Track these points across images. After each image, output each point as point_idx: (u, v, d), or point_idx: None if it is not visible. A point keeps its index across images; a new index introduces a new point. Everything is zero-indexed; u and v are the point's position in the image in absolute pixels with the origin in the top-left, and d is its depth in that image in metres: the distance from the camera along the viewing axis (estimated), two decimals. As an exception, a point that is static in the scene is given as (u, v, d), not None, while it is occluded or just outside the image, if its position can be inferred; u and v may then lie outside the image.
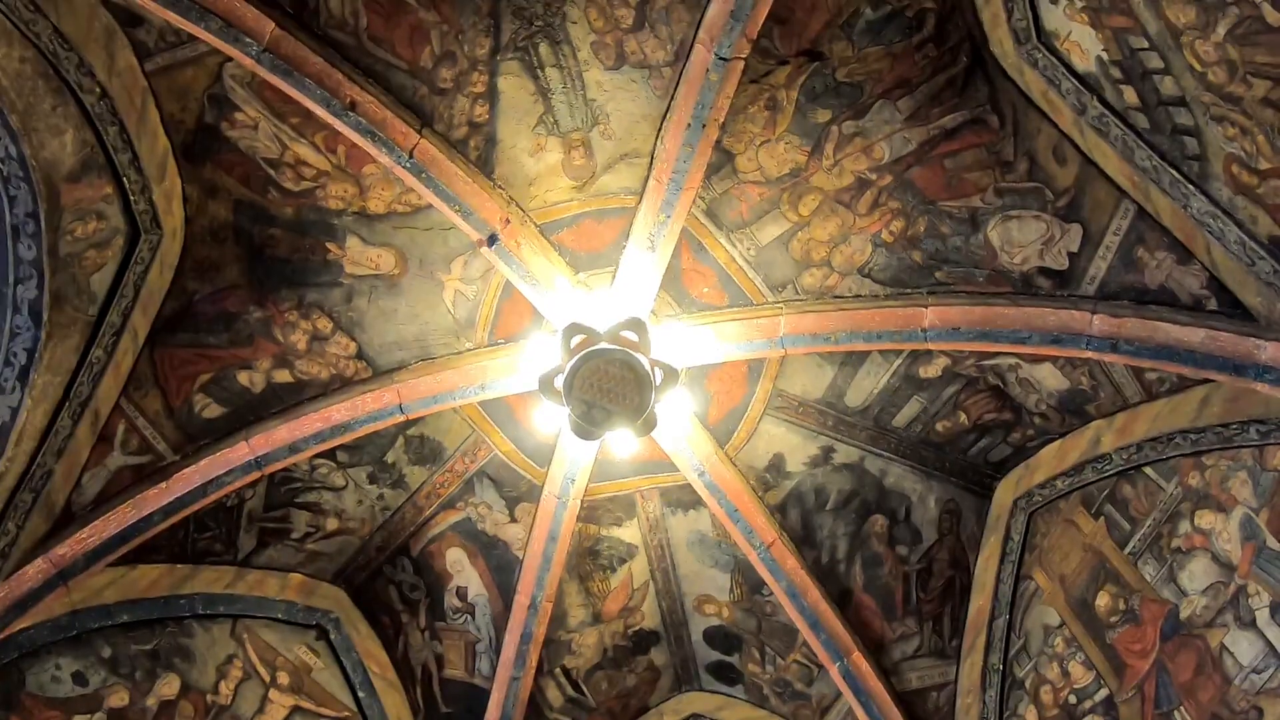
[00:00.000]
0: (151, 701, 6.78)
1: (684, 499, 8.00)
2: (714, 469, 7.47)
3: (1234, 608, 6.10)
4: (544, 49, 6.24)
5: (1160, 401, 6.50)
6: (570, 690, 8.31)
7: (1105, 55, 5.46)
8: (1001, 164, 6.51)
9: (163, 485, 6.67)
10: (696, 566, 8.31)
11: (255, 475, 6.96)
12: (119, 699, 6.64)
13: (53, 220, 5.58)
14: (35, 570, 6.27)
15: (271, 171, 6.37)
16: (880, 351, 7.19)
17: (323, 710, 7.62)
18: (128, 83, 5.75)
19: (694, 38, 6.03)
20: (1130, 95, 5.52)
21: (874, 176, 6.72)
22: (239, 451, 6.82)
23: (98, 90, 5.58)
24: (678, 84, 6.23)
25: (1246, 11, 4.64)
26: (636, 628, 8.42)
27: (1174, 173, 5.54)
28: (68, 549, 6.37)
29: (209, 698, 7.12)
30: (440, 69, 6.16)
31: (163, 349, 6.63)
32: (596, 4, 6.10)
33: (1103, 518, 6.99)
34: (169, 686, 6.90)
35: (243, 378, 6.92)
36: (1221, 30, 4.79)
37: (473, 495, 7.97)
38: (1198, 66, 5.00)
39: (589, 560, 8.18)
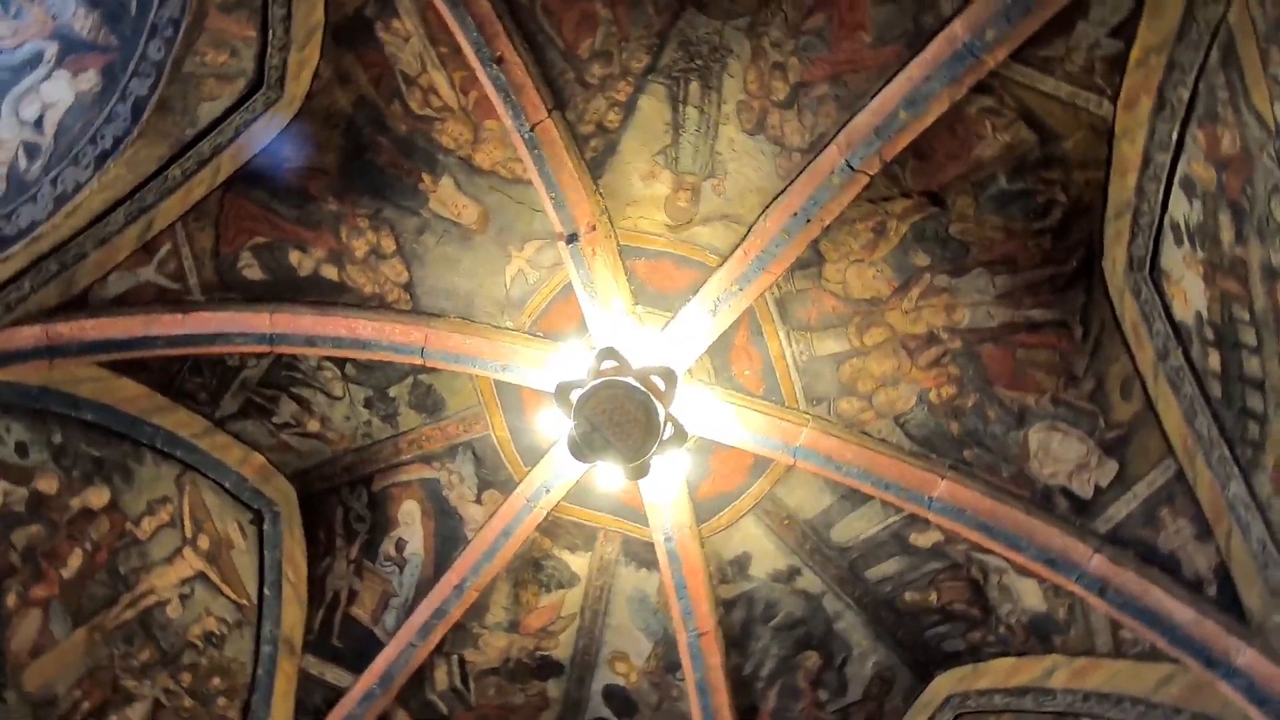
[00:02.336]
0: (76, 503, 6.77)
1: (642, 555, 7.94)
2: (682, 540, 7.40)
3: None
4: (694, 87, 6.38)
5: (1125, 661, 6.28)
6: (458, 681, 8.15)
7: (1205, 313, 5.39)
8: (1069, 375, 6.46)
9: (179, 316, 6.79)
10: (626, 623, 8.20)
11: (265, 349, 7.07)
12: (48, 485, 6.63)
13: (190, 36, 5.77)
14: (29, 334, 6.38)
15: (404, 86, 6.54)
16: (883, 502, 7.10)
17: (224, 589, 7.59)
18: (308, -56, 6.00)
19: (832, 137, 6.15)
20: (1214, 360, 5.43)
21: (946, 336, 6.72)
22: (260, 320, 6.91)
23: (279, -63, 5.84)
24: (800, 173, 6.33)
25: (1350, 319, 4.59)
26: (546, 653, 8.26)
27: (1226, 450, 5.42)
28: (68, 329, 6.49)
29: (128, 525, 7.09)
30: (593, 64, 6.33)
31: (235, 196, 6.77)
32: (758, 68, 6.24)
33: (1024, 751, 6.81)
34: (98, 497, 6.90)
35: (294, 256, 7.04)
36: (1323, 330, 4.73)
37: (451, 461, 7.98)
38: (1289, 359, 4.92)
39: (530, 570, 8.09)
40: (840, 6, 5.96)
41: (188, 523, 7.43)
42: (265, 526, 7.87)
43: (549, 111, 6.32)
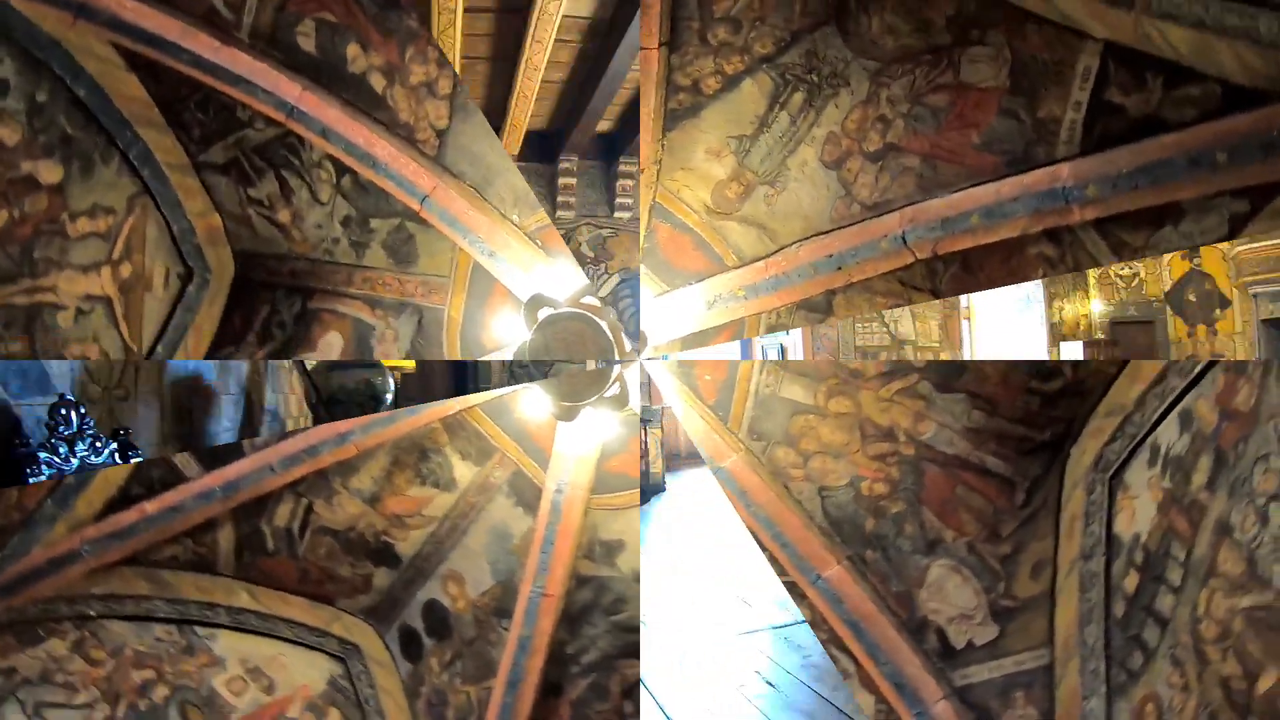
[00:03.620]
0: (26, 166, 6.29)
1: (526, 494, 7.57)
2: (571, 499, 7.18)
3: None
4: (798, 97, 6.23)
5: (914, 812, 6.31)
6: (296, 525, 7.79)
7: (1144, 537, 5.41)
8: (993, 531, 6.42)
9: (215, 45, 6.40)
10: (477, 550, 7.82)
11: (280, 117, 6.70)
12: (9, 135, 6.12)
13: None
14: (60, -14, 5.98)
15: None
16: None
17: (122, 325, 6.99)
18: None
19: (900, 206, 6.05)
20: (1131, 581, 5.45)
21: (903, 440, 6.66)
22: (290, 89, 6.56)
23: None
24: (855, 223, 6.22)
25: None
26: (390, 541, 7.89)
27: (1102, 666, 5.47)
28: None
29: (64, 216, 6.59)
30: (721, 26, 6.13)
31: (325, -37, 6.45)
32: (865, 112, 6.10)
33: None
34: (50, 173, 6.43)
35: (352, 50, 6.67)
36: (1245, 602, 4.75)
37: (395, 317, 7.59)
38: (1200, 611, 4.93)
39: (415, 456, 7.71)
40: (968, 100, 5.87)
41: (120, 244, 6.93)
42: (190, 287, 7.39)
43: (660, 44, 6.10)
